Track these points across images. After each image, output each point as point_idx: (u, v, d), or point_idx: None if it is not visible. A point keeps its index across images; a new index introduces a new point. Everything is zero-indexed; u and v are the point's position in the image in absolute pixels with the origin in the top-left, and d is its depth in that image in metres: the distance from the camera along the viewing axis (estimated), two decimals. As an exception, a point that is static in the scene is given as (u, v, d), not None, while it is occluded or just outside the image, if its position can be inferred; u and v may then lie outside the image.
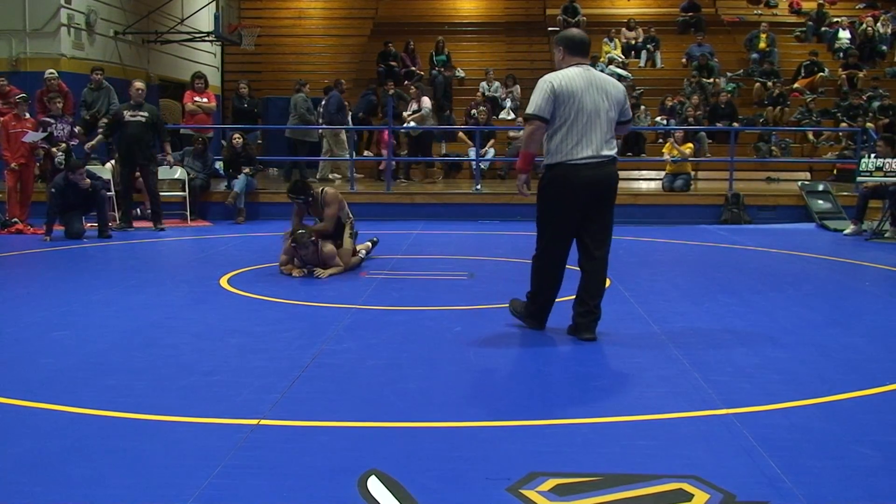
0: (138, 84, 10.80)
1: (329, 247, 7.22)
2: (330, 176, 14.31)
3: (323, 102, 14.29)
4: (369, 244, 8.18)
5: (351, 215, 7.71)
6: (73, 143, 11.55)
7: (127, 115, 10.48)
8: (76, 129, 12.00)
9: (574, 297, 5.12)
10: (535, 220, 5.08)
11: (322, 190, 7.54)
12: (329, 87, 14.69)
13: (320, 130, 14.03)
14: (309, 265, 7.21)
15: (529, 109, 4.84)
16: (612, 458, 3.17)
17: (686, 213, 12.14)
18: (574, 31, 5.12)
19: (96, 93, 12.63)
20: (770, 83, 17.64)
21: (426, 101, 14.00)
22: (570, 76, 4.82)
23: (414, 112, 14.13)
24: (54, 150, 11.02)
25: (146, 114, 10.53)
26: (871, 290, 6.99)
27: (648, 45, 19.88)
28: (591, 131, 4.79)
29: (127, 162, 10.58)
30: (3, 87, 11.74)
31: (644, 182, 15.20)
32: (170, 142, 11.26)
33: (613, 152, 4.93)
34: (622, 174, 15.88)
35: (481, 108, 15.20)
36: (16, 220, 10.31)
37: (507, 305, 5.43)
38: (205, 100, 13.03)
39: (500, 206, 12.04)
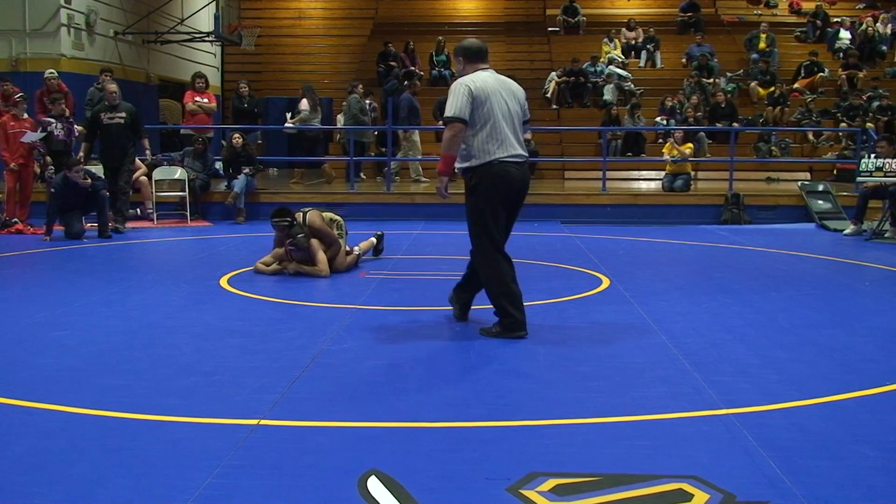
0: (112, 87, 10.64)
1: (315, 242, 7.21)
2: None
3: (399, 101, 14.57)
4: (373, 240, 8.17)
5: (337, 217, 7.67)
6: (75, 135, 11.54)
7: (104, 117, 10.35)
8: (77, 129, 12.01)
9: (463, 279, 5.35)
10: (472, 226, 5.02)
11: (305, 216, 7.22)
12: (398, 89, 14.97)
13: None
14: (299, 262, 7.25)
15: (449, 112, 4.86)
16: (612, 458, 3.17)
17: (686, 213, 12.14)
18: (471, 40, 5.19)
19: (102, 92, 12.60)
20: (759, 83, 17.69)
21: (304, 103, 13.97)
22: (483, 78, 4.93)
23: (294, 114, 14.11)
24: (48, 158, 11.02)
25: (124, 114, 10.42)
26: (871, 290, 6.99)
27: (648, 46, 19.88)
28: (509, 133, 4.91)
29: (108, 163, 10.45)
30: (7, 88, 11.64)
31: (644, 182, 15.21)
32: (147, 137, 11.16)
33: (526, 153, 5.06)
34: (622, 174, 16.01)
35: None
36: (16, 220, 10.31)
37: (483, 333, 5.08)
38: (205, 100, 13.02)
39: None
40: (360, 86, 14.57)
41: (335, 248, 7.34)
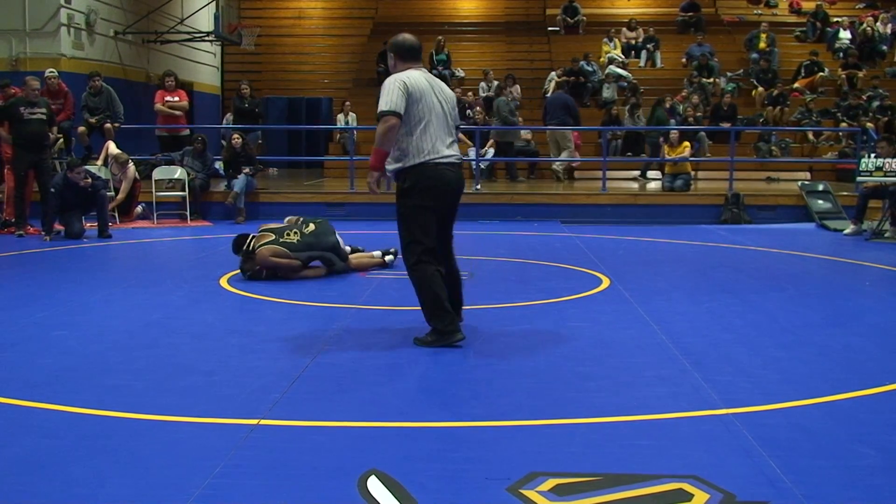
0: (34, 83, 10.25)
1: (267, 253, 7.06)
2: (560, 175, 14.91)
3: (547, 101, 15.21)
4: (392, 256, 7.83)
5: (331, 239, 7.28)
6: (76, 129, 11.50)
7: (25, 112, 9.97)
8: (77, 130, 12.01)
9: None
10: (403, 231, 4.78)
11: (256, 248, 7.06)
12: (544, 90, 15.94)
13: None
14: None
15: (383, 107, 4.58)
16: (612, 458, 3.17)
17: (686, 213, 12.13)
18: (405, 36, 4.90)
19: (96, 98, 12.56)
20: (759, 85, 17.70)
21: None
22: (416, 77, 4.73)
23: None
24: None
25: (44, 109, 10.12)
26: (871, 290, 6.99)
27: (648, 45, 19.86)
28: (443, 133, 4.71)
29: (24, 160, 10.00)
30: (8, 91, 11.56)
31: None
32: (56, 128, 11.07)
33: (460, 156, 4.87)
34: (622, 174, 16.01)
35: (477, 108, 15.21)
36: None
37: (417, 342, 4.85)
38: (176, 98, 12.94)
39: (500, 206, 12.04)
40: (507, 88, 16.00)
41: (293, 268, 7.10)
